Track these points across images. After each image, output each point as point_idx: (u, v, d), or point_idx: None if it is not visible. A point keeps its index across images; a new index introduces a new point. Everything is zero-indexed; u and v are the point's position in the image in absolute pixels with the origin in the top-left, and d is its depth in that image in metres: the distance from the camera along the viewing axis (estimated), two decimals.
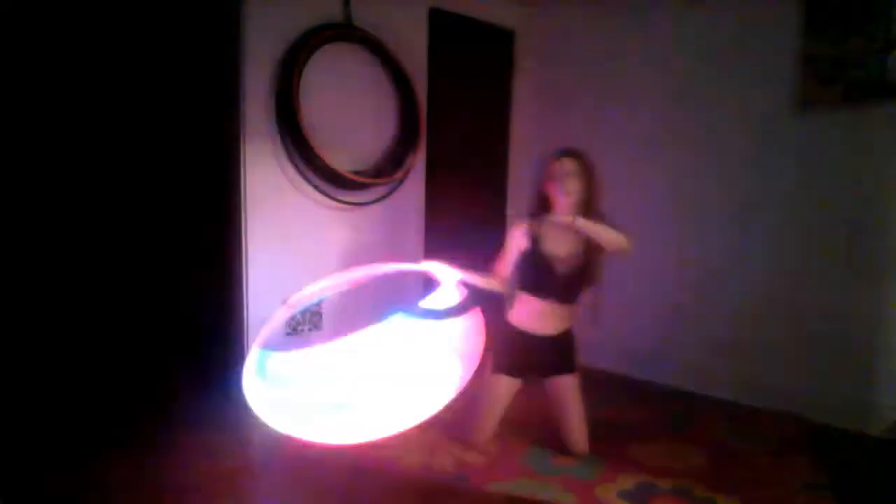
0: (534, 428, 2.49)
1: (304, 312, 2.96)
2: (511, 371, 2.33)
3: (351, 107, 3.03)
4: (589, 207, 2.24)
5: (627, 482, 2.08)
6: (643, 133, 3.26)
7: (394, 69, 3.11)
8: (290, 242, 2.90)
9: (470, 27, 3.58)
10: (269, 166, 2.79)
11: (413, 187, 3.29)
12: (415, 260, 3.43)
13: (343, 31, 2.93)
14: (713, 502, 1.95)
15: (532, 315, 2.32)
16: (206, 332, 2.72)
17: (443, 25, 3.40)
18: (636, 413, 2.67)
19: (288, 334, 2.92)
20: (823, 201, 2.66)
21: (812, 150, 2.68)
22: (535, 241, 2.27)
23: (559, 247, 2.26)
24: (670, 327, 3.17)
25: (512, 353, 2.33)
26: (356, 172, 2.95)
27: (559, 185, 2.22)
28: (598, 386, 2.71)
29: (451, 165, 3.55)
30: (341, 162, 2.89)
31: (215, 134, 2.67)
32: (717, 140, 2.98)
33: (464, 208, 3.71)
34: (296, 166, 2.85)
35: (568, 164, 2.23)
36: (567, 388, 2.32)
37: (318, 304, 3.00)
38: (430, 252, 3.48)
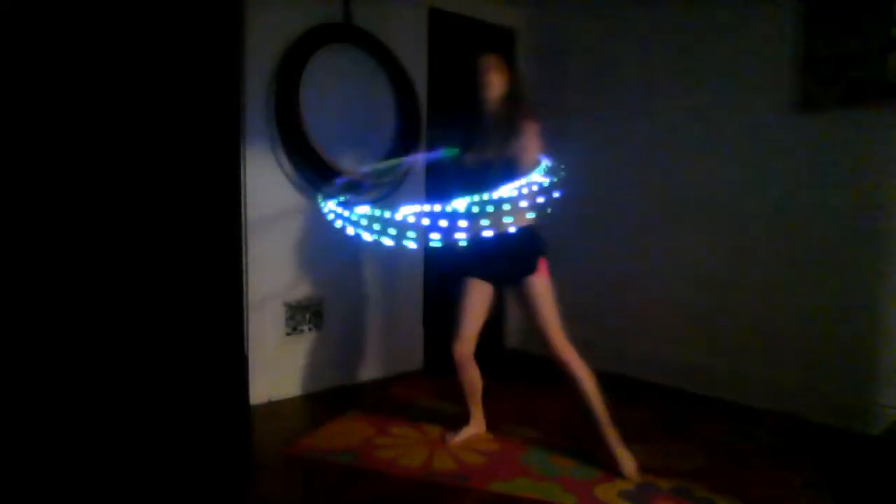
0: (534, 428, 2.50)
1: (304, 312, 2.97)
2: (466, 272, 2.34)
3: (351, 107, 3.03)
4: (515, 96, 2.37)
5: (627, 482, 2.08)
6: (643, 133, 3.26)
7: (394, 69, 3.11)
8: (290, 242, 2.90)
9: (470, 27, 3.58)
10: (269, 166, 2.80)
11: (413, 187, 3.29)
12: (415, 260, 3.45)
13: (343, 31, 2.93)
14: (713, 502, 1.95)
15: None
16: (206, 331, 2.73)
17: (443, 25, 3.40)
18: (636, 413, 2.67)
19: (288, 334, 2.93)
20: (823, 201, 2.65)
21: (812, 150, 2.68)
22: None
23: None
24: (670, 327, 3.17)
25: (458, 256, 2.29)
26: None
27: (482, 82, 2.36)
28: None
29: (450, 165, 3.54)
30: (341, 162, 2.89)
31: (215, 134, 2.68)
32: (717, 140, 2.97)
33: None
34: (296, 166, 2.85)
35: (486, 61, 2.38)
36: (527, 290, 2.22)
37: (319, 304, 3.01)
38: (430, 251, 3.48)
